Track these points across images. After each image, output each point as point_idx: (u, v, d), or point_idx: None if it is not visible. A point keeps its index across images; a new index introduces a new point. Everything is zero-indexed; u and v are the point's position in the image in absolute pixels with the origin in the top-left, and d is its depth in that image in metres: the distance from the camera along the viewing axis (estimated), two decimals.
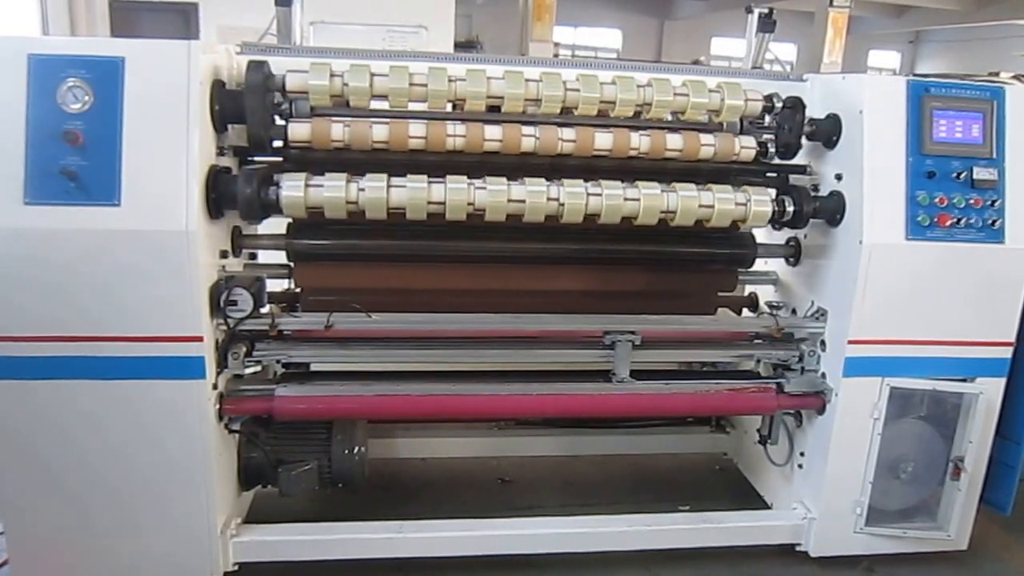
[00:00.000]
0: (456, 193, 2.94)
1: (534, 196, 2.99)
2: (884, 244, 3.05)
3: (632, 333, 3.22)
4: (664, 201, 3.07)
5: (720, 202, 3.10)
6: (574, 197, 3.01)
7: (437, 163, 3.04)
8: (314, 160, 3.02)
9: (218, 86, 2.83)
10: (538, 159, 3.11)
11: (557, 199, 3.01)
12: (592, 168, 3.14)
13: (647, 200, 3.05)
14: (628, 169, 3.18)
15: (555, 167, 3.12)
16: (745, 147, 3.22)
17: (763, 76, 3.44)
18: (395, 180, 2.91)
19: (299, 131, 2.96)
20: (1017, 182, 3.12)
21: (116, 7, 9.56)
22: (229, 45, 3.02)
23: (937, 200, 3.07)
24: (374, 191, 2.88)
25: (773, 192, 3.26)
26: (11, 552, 2.98)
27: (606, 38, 27.71)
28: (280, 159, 3.05)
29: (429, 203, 2.92)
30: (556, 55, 16.04)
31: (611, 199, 3.03)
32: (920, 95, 3.07)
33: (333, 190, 2.88)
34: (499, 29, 19.91)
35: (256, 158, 3.06)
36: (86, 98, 2.61)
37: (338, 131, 2.95)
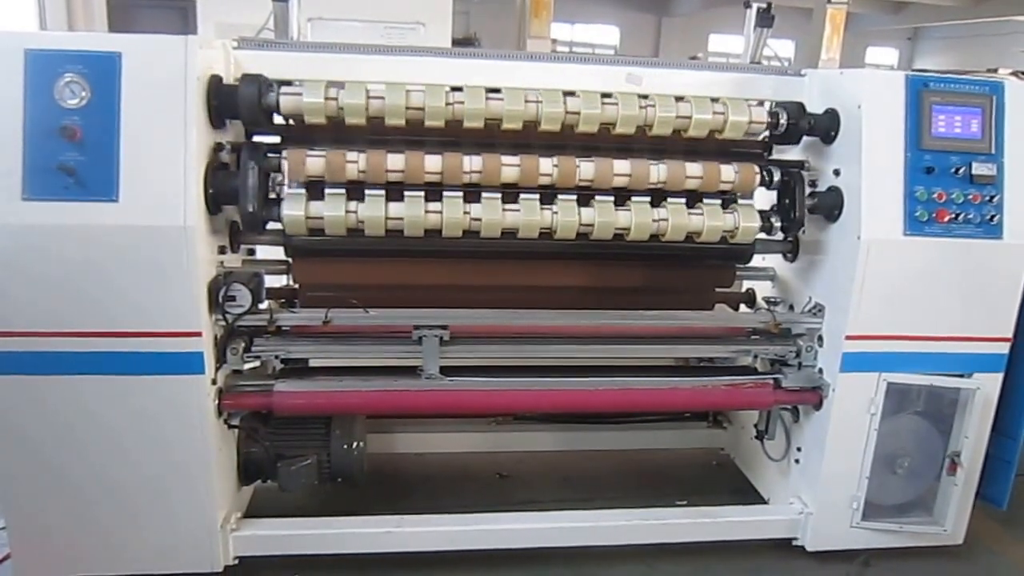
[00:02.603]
0: (452, 209, 2.97)
1: (528, 211, 3.03)
2: (882, 240, 3.04)
3: (443, 328, 3.15)
4: (656, 216, 3.12)
5: (710, 216, 3.14)
6: (567, 213, 3.05)
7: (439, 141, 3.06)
8: (313, 137, 3.03)
9: (215, 81, 2.82)
10: (540, 135, 3.11)
11: (551, 209, 3.05)
12: (591, 145, 3.15)
13: (639, 216, 3.09)
14: (625, 147, 3.18)
15: (555, 143, 3.12)
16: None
17: (761, 72, 3.42)
18: (392, 203, 2.97)
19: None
20: (1016, 178, 3.11)
21: (114, 4, 9.55)
22: (226, 40, 3.01)
23: (936, 195, 3.06)
24: (372, 208, 2.93)
25: (772, 189, 3.30)
26: (13, 546, 2.99)
27: (604, 35, 27.63)
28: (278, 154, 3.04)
29: (427, 212, 2.95)
30: (554, 52, 16.02)
31: (603, 214, 3.07)
32: (919, 90, 3.06)
33: (333, 208, 2.92)
34: (497, 26, 19.87)
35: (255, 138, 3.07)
36: (84, 93, 2.60)
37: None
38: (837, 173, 3.19)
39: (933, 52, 29.92)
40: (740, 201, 3.27)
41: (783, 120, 3.20)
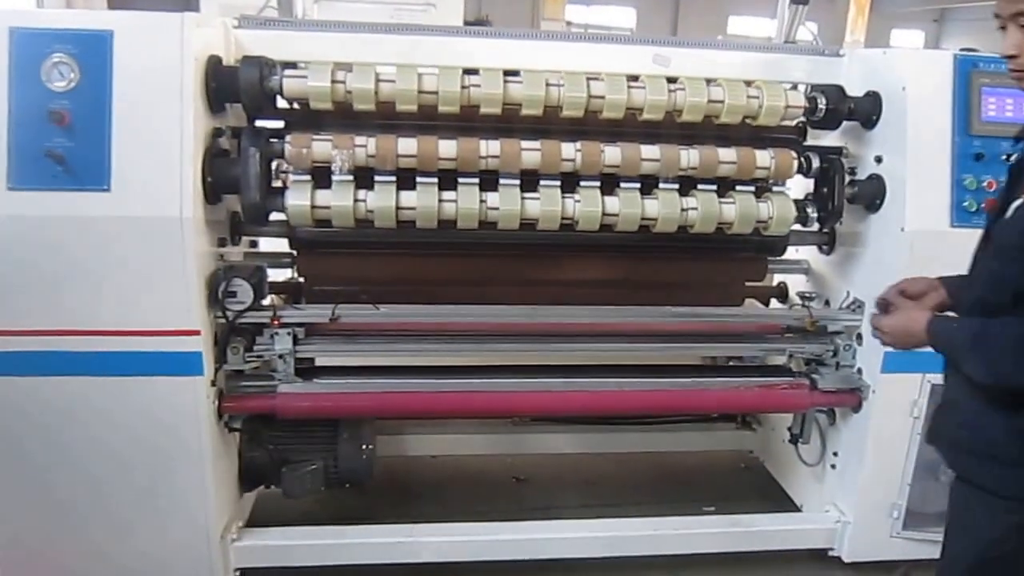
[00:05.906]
0: (468, 198, 2.83)
1: (548, 201, 2.87)
2: (927, 231, 2.90)
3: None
4: (685, 205, 2.96)
5: (742, 205, 2.99)
6: (589, 203, 2.89)
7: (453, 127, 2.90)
8: (319, 122, 2.88)
9: (214, 62, 2.68)
10: (562, 119, 2.94)
11: (572, 198, 2.89)
12: (613, 131, 2.98)
13: (666, 206, 2.93)
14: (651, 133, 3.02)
15: (579, 130, 2.95)
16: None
17: (797, 51, 3.29)
18: (404, 194, 2.81)
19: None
20: None
21: None
22: (226, 19, 2.89)
23: (985, 184, 2.92)
24: (383, 197, 2.78)
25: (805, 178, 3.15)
26: None
27: (619, 17, 27.36)
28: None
29: (441, 201, 2.81)
30: None
31: (628, 204, 2.91)
32: (968, 71, 2.92)
33: (340, 197, 2.77)
34: (509, 8, 19.78)
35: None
36: (72, 75, 2.48)
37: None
38: (879, 160, 3.06)
39: (960, 34, 29.10)
40: (774, 189, 3.12)
41: (821, 104, 3.05)
